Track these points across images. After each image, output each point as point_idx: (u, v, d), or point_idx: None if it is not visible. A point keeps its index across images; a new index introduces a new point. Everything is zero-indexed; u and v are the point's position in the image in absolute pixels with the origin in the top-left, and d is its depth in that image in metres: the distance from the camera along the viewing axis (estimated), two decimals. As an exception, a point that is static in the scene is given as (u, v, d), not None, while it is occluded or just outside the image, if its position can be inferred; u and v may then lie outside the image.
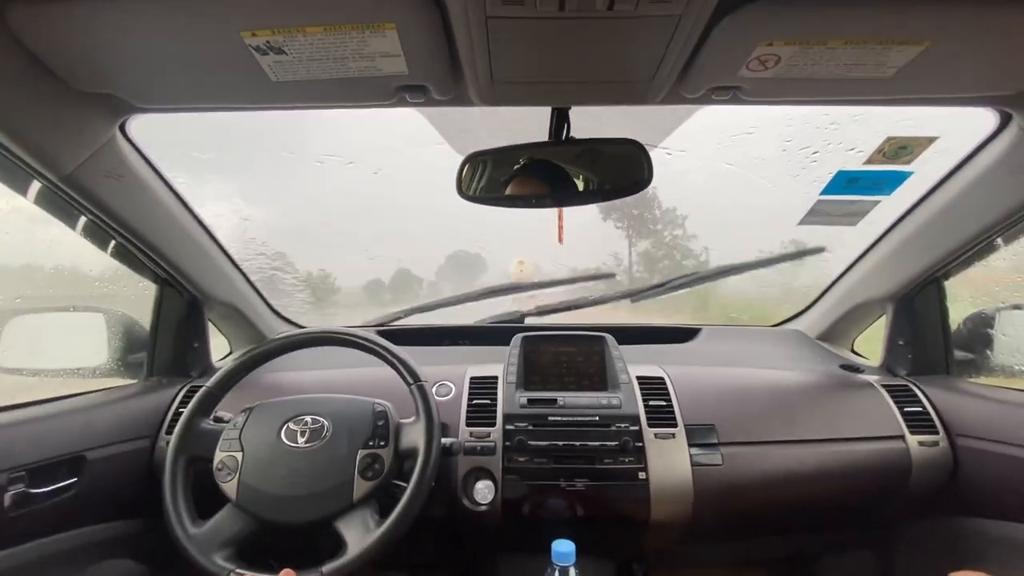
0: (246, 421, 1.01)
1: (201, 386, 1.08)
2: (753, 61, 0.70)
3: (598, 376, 1.25)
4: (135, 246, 1.13)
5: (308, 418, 1.00)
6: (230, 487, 0.95)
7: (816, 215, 1.26)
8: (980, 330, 1.29)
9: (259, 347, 1.08)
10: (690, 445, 1.13)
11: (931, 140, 1.00)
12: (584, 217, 1.95)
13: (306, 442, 0.97)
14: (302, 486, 0.94)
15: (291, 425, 0.99)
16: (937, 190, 1.12)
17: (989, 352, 1.27)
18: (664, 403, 1.19)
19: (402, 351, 1.04)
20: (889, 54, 0.69)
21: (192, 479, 1.00)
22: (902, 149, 1.01)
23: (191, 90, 0.81)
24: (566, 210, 1.26)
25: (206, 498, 0.97)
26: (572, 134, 0.92)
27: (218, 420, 1.06)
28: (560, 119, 0.92)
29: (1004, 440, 1.07)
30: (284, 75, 0.74)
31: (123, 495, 1.13)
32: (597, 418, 1.14)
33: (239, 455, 0.97)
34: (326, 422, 1.00)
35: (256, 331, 1.55)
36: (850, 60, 0.70)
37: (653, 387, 1.22)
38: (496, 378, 1.25)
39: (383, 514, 0.93)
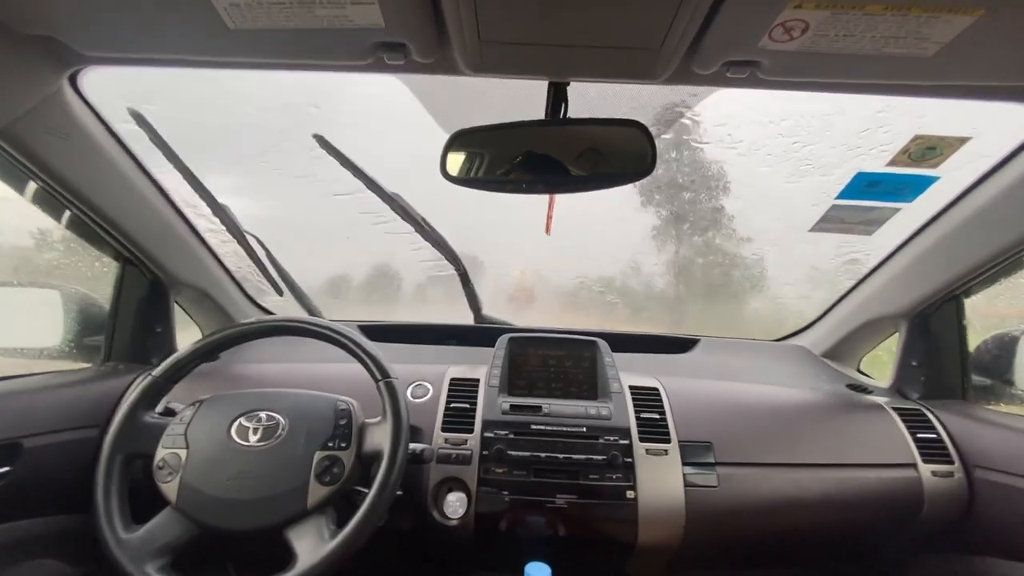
0: (194, 415, 0.92)
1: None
2: (777, 28, 0.62)
3: (588, 384, 1.17)
4: (90, 218, 1.04)
5: (263, 414, 0.91)
6: (170, 488, 0.85)
7: (830, 222, 1.17)
8: (1001, 354, 1.20)
9: (213, 335, 0.98)
10: (684, 463, 1.05)
11: (962, 141, 0.91)
12: (605, 205, 1.78)
13: (258, 440, 0.88)
14: (251, 489, 0.85)
15: (243, 421, 0.90)
16: (963, 198, 1.03)
17: (1011, 378, 1.18)
18: (658, 416, 1.11)
19: (372, 345, 0.95)
20: (934, 26, 0.60)
21: (135, 477, 0.91)
22: (930, 150, 0.93)
23: (139, 37, 0.73)
24: (559, 197, 1.17)
25: (147, 500, 0.87)
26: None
27: (168, 413, 0.97)
28: (557, 96, 0.84)
29: None
30: (243, 21, 0.65)
31: (63, 488, 1.03)
32: (584, 429, 1.06)
33: (183, 453, 0.88)
34: (282, 419, 0.90)
35: (228, 318, 1.46)
36: (888, 32, 0.62)
37: (646, 398, 1.14)
38: (478, 381, 1.16)
39: (340, 524, 0.84)
